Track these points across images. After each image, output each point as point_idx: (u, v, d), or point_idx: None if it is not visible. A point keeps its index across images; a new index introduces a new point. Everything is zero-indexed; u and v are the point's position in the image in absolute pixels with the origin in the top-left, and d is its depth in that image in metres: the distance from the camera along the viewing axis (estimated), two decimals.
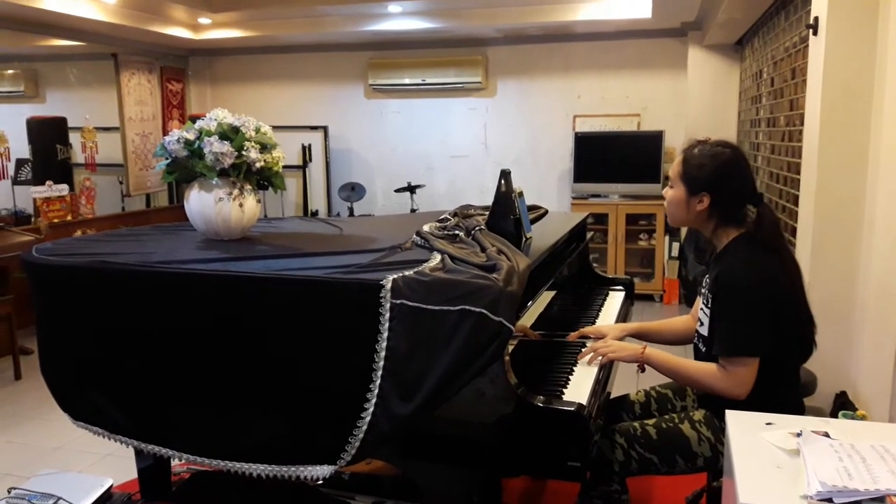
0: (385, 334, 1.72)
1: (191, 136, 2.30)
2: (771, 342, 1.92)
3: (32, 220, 6.17)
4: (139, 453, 2.36)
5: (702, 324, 2.11)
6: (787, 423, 1.57)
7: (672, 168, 2.14)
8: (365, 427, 1.73)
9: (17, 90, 8.26)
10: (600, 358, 2.12)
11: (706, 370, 1.99)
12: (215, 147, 2.24)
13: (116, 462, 3.27)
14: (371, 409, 1.73)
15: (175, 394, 1.99)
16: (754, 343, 1.92)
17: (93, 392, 2.10)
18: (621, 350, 2.14)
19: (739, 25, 5.32)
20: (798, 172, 3.64)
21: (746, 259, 1.97)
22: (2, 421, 3.96)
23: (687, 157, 2.09)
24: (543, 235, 2.59)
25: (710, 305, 2.04)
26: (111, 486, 2.54)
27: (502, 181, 2.41)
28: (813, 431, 1.47)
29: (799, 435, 1.46)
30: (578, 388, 1.96)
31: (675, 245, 6.40)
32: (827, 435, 1.47)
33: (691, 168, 2.06)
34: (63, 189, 5.98)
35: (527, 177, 6.91)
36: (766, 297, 1.92)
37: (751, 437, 1.52)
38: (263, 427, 1.88)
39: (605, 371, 2.14)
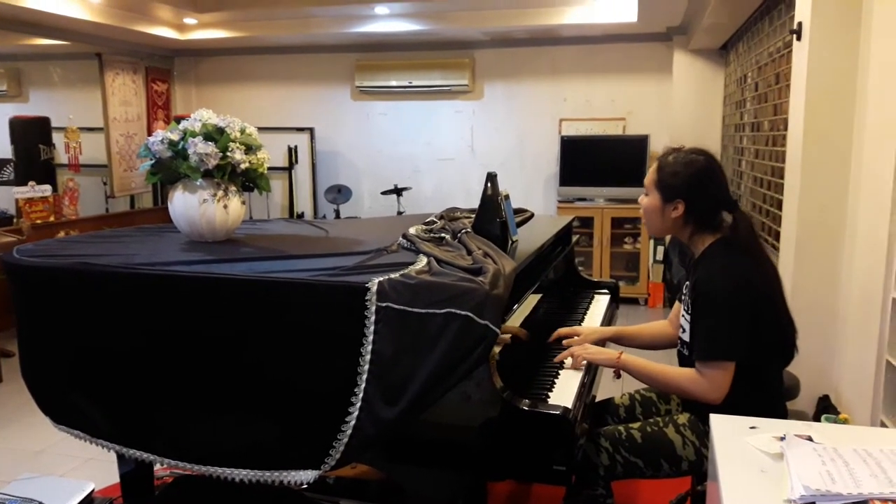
0: (370, 337, 1.71)
1: (175, 136, 2.28)
2: (748, 347, 1.93)
3: (14, 220, 6.10)
4: (121, 458, 2.34)
5: (684, 330, 2.12)
6: (771, 427, 1.58)
7: (647, 176, 2.15)
8: (349, 431, 1.72)
9: None
10: (581, 360, 2.13)
11: (682, 375, 2.01)
12: (199, 148, 2.22)
13: (99, 466, 3.24)
14: (356, 413, 1.72)
15: (158, 397, 1.97)
16: (730, 347, 1.93)
17: (74, 395, 2.08)
18: (597, 354, 2.15)
19: (724, 30, 5.36)
20: (782, 177, 3.66)
21: (723, 264, 1.98)
22: None
23: (661, 165, 2.10)
24: (529, 239, 2.59)
25: (690, 311, 2.05)
26: (93, 491, 2.52)
27: (488, 184, 2.41)
28: (796, 435, 1.47)
29: (783, 439, 1.46)
30: (564, 391, 1.96)
31: (660, 249, 6.43)
32: (810, 439, 1.47)
33: (665, 176, 2.07)
34: (46, 190, 5.92)
35: (513, 180, 6.92)
36: (743, 301, 1.93)
37: (735, 440, 1.53)
38: (247, 431, 1.87)
39: (591, 374, 2.14)
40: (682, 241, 2.14)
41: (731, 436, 1.55)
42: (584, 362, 2.13)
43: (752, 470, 1.39)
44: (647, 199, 2.13)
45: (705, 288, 1.98)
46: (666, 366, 2.09)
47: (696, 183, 2.04)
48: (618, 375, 2.17)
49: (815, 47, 3.01)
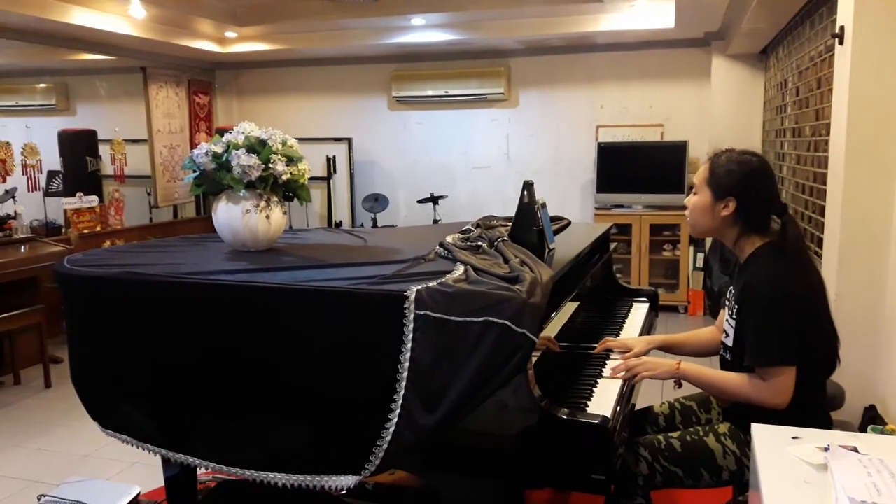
0: (409, 345, 1.73)
1: (219, 149, 2.33)
2: (800, 350, 1.90)
3: (63, 230, 6.28)
4: (166, 462, 2.39)
5: (727, 335, 2.10)
6: (814, 438, 1.55)
7: (697, 174, 2.14)
8: (389, 438, 1.74)
9: (48, 104, 8.44)
10: (640, 377, 2.11)
11: (744, 381, 1.97)
12: (243, 160, 2.27)
13: (144, 470, 3.32)
14: (395, 420, 1.73)
15: (202, 404, 2.01)
16: (785, 350, 1.90)
17: (121, 401, 2.14)
18: (657, 367, 2.12)
19: (764, 35, 5.29)
20: (824, 183, 3.60)
21: (771, 269, 1.96)
22: (32, 428, 4.02)
23: (714, 163, 2.09)
24: (566, 246, 2.59)
25: (735, 316, 2.03)
26: (138, 494, 2.58)
27: (525, 192, 2.42)
28: (841, 446, 1.45)
29: (826, 449, 1.44)
30: (602, 400, 1.96)
31: (700, 256, 6.35)
32: (855, 450, 1.45)
33: (719, 173, 2.06)
34: (93, 200, 6.09)
35: (549, 187, 6.91)
36: (790, 308, 1.91)
37: (777, 451, 1.51)
38: (288, 437, 1.90)
39: (630, 383, 2.13)
40: (727, 243, 2.11)
41: (773, 446, 1.54)
42: (641, 377, 2.11)
43: (796, 481, 1.38)
44: (695, 197, 2.12)
45: (755, 292, 1.95)
46: (726, 373, 2.06)
47: (749, 182, 2.02)
48: (679, 385, 2.14)
49: (858, 51, 2.96)
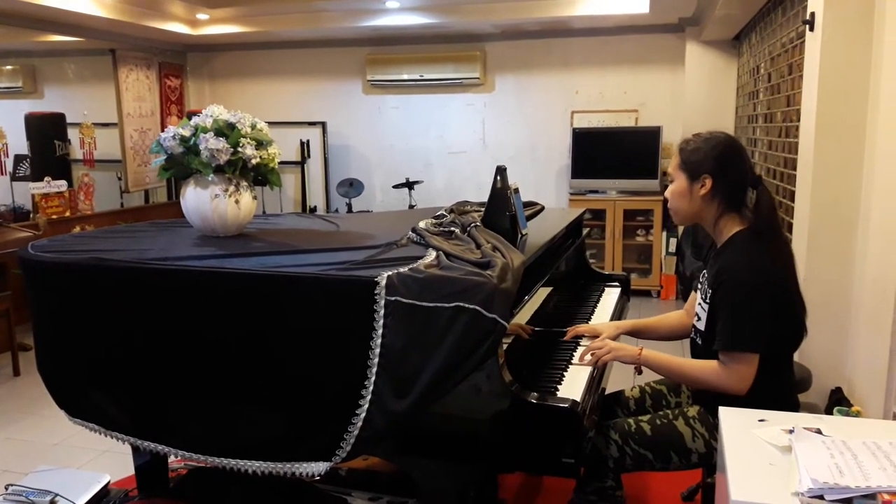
0: (380, 331, 1.73)
1: (186, 132, 2.30)
2: (769, 338, 1.92)
3: (31, 216, 6.16)
4: (136, 450, 2.37)
5: (699, 318, 2.11)
6: (779, 420, 1.58)
7: (671, 164, 2.15)
8: (360, 424, 1.74)
9: (15, 86, 8.26)
10: (602, 360, 2.13)
11: (706, 368, 1.99)
12: (211, 143, 2.24)
13: (114, 458, 3.28)
14: (366, 406, 1.73)
15: (170, 391, 1.99)
16: (755, 339, 1.92)
17: (89, 389, 2.11)
18: (618, 351, 2.14)
19: (737, 21, 5.32)
20: (795, 168, 3.64)
21: (749, 255, 1.97)
22: (1, 417, 3.96)
23: (682, 148, 2.11)
24: (539, 232, 2.59)
25: (708, 300, 2.04)
26: (108, 483, 2.55)
27: (498, 177, 2.41)
28: (805, 428, 1.47)
29: (791, 432, 1.46)
30: (573, 384, 1.96)
31: (673, 241, 6.41)
32: (819, 431, 1.47)
33: (688, 155, 2.07)
34: (61, 185, 5.98)
35: (525, 173, 6.91)
36: (768, 293, 1.92)
37: (743, 433, 1.53)
38: (258, 424, 1.89)
39: (600, 367, 2.14)
40: (707, 226, 2.11)
41: (739, 428, 1.56)
42: (604, 360, 2.13)
43: (761, 462, 1.40)
44: (673, 185, 2.13)
45: (730, 277, 1.96)
46: (688, 360, 2.09)
47: (721, 157, 2.04)
48: (639, 372, 2.16)
49: (828, 38, 2.99)
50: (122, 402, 2.07)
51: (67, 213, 6.01)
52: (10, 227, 5.49)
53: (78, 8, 5.56)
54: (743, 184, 2.05)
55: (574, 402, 1.74)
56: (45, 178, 5.92)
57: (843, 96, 2.99)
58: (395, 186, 7.02)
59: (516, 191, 2.49)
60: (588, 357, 2.14)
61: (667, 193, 2.16)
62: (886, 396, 2.70)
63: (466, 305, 1.69)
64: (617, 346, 2.17)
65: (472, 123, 7.23)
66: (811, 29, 3.11)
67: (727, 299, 1.96)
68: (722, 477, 1.48)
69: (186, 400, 1.97)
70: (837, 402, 2.92)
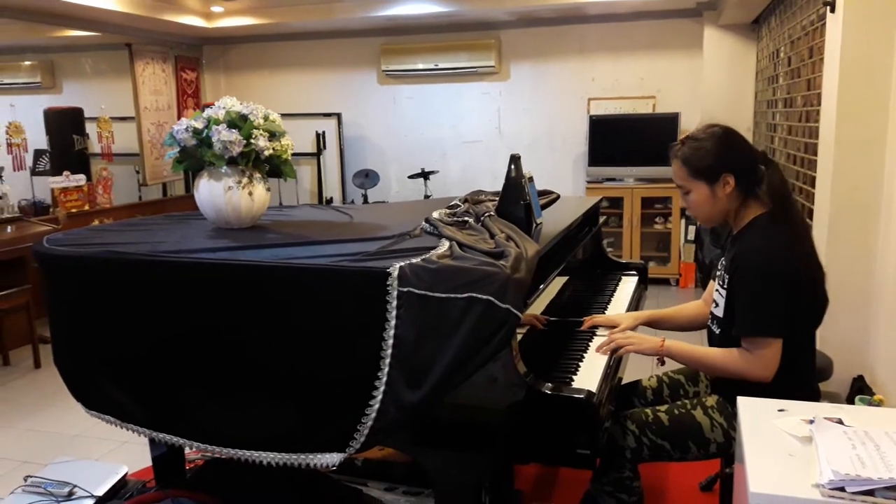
0: (392, 322, 1.71)
1: (199, 124, 2.29)
2: (790, 323, 1.89)
3: (50, 210, 6.23)
4: (153, 441, 2.38)
5: (716, 305, 2.08)
6: (799, 410, 1.55)
7: (676, 175, 2.08)
8: (374, 415, 1.72)
9: (34, 81, 8.33)
10: (624, 350, 2.10)
11: (729, 356, 1.96)
12: (223, 135, 2.23)
13: (134, 449, 3.31)
14: (379, 398, 1.72)
15: (186, 383, 1.99)
16: (777, 323, 1.89)
17: (104, 381, 2.11)
18: (641, 342, 2.11)
19: (755, 4, 5.23)
20: (816, 154, 3.58)
21: (766, 239, 1.94)
22: (22, 409, 4.01)
23: (684, 157, 2.04)
24: (554, 221, 2.56)
25: (726, 286, 2.01)
26: (126, 474, 2.57)
27: (512, 166, 2.39)
28: (826, 418, 1.44)
29: (811, 422, 1.43)
30: (588, 374, 1.94)
31: (692, 228, 6.34)
32: (840, 422, 1.44)
33: (696, 161, 2.02)
34: (80, 179, 6.03)
35: (541, 161, 6.87)
36: (784, 280, 1.89)
37: (763, 423, 1.50)
38: (273, 415, 1.88)
39: (616, 358, 2.12)
40: (730, 218, 2.07)
41: (758, 418, 1.53)
42: (625, 351, 2.10)
43: (780, 453, 1.37)
44: (691, 195, 2.06)
45: (748, 262, 1.93)
46: (710, 349, 2.06)
47: (730, 149, 2.01)
48: (662, 362, 2.13)
49: (849, 20, 2.93)
50: (137, 395, 2.07)
51: (86, 207, 6.05)
52: (31, 222, 5.55)
53: (94, 3, 5.58)
54: (755, 165, 2.02)
55: (589, 392, 1.71)
56: (64, 173, 5.97)
57: (865, 79, 2.93)
58: (411, 177, 7.00)
59: (531, 179, 2.46)
60: (611, 346, 2.10)
61: (686, 204, 2.12)
62: None
63: (479, 296, 1.67)
64: (640, 337, 2.14)
65: (488, 112, 7.19)
66: (832, 10, 3.05)
67: (746, 284, 1.93)
68: (741, 468, 1.46)
69: (200, 392, 1.97)
70: (859, 390, 2.88)
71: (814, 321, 2.02)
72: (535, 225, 2.40)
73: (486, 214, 2.31)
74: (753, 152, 2.04)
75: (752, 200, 2.02)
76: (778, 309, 1.88)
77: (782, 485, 1.25)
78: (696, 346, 2.06)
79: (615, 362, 2.09)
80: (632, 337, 2.14)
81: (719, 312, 2.06)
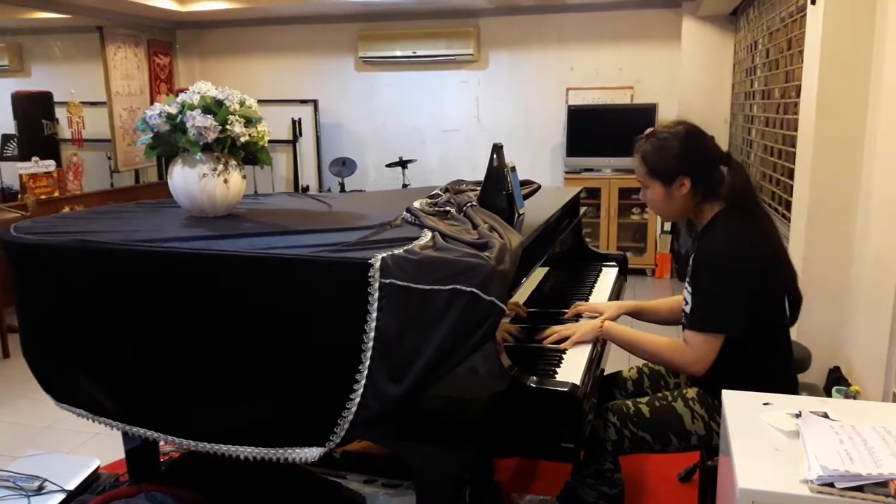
0: (374, 314, 1.67)
1: (173, 109, 2.22)
2: (743, 324, 1.89)
3: (19, 196, 6.07)
4: (126, 434, 2.32)
5: (687, 302, 2.08)
6: (785, 403, 1.54)
7: (636, 170, 2.09)
8: (354, 409, 1.69)
9: (1, 64, 8.12)
10: (570, 342, 2.08)
11: (666, 344, 1.99)
12: (198, 121, 2.16)
13: (106, 441, 3.24)
14: (360, 391, 1.68)
15: (159, 375, 1.93)
16: (723, 321, 1.90)
17: (75, 373, 2.05)
18: (581, 329, 2.11)
19: None
20: (793, 146, 3.59)
21: (726, 235, 1.94)
22: None
23: (644, 154, 2.05)
24: (536, 211, 2.54)
25: (691, 283, 2.01)
26: (98, 467, 2.51)
27: (494, 156, 2.35)
28: (812, 412, 1.44)
29: (798, 416, 1.42)
30: (572, 367, 1.92)
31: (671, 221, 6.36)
32: (826, 415, 1.43)
33: (653, 160, 2.03)
34: (50, 165, 5.88)
35: (519, 151, 6.84)
36: (746, 276, 1.89)
37: (748, 417, 1.49)
38: (250, 409, 1.84)
39: (599, 349, 2.10)
40: (690, 216, 2.08)
41: (743, 412, 1.52)
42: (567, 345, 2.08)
43: (767, 448, 1.36)
44: (648, 192, 2.08)
45: (705, 259, 1.95)
46: (649, 335, 2.07)
47: (688, 151, 2.00)
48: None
49: (830, 11, 2.93)
50: (109, 388, 2.01)
51: (56, 194, 5.91)
52: None
53: None
54: (715, 167, 2.02)
55: (574, 385, 1.69)
56: (33, 158, 5.82)
57: (846, 71, 2.94)
58: (389, 165, 6.94)
59: (513, 169, 2.43)
60: (554, 338, 2.09)
61: (643, 198, 2.13)
62: (886, 376, 2.68)
63: (463, 288, 1.64)
64: (578, 325, 2.14)
65: (466, 101, 7.15)
66: (813, 2, 3.05)
67: (703, 282, 1.94)
68: (726, 461, 1.44)
69: (175, 385, 1.92)
70: (836, 381, 2.90)
71: (783, 316, 2.02)
72: (517, 215, 2.37)
73: (469, 204, 2.28)
74: (715, 154, 2.03)
75: (712, 199, 2.02)
76: (730, 306, 1.89)
77: (770, 480, 1.24)
78: (636, 330, 2.08)
79: (597, 354, 2.07)
80: (571, 327, 2.14)
81: (689, 309, 2.06)
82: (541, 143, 7.00)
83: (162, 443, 2.34)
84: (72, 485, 2.35)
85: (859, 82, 2.92)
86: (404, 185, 6.77)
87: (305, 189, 7.50)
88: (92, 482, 2.42)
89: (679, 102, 6.17)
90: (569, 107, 6.63)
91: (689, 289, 2.03)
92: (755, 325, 1.92)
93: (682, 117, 2.11)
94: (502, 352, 1.70)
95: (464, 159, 7.16)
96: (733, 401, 1.59)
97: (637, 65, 6.64)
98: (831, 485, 1.18)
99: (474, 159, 7.08)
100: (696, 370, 1.93)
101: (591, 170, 6.54)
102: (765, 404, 1.54)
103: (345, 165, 7.00)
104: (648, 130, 2.10)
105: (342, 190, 6.98)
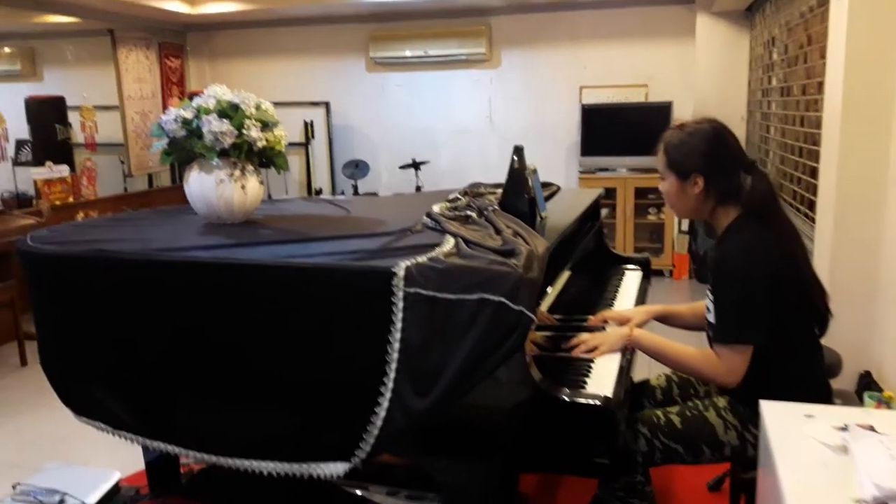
0: (398, 325, 1.62)
1: (188, 114, 2.18)
2: (767, 331, 1.84)
3: (34, 202, 6.07)
4: (146, 447, 2.29)
5: (709, 310, 2.02)
6: (827, 415, 1.48)
7: (658, 159, 2.05)
8: (379, 423, 1.64)
9: (14, 69, 8.13)
10: (598, 353, 2.02)
11: (697, 355, 1.93)
12: (214, 126, 2.13)
13: (125, 451, 3.15)
14: (385, 404, 1.63)
15: (179, 388, 1.90)
16: (749, 330, 1.85)
17: (94, 386, 2.02)
18: (609, 339, 2.04)
19: None
20: (815, 143, 3.52)
21: (743, 243, 1.89)
22: (8, 408, 3.90)
23: (668, 145, 2.01)
24: (558, 214, 2.49)
25: (712, 291, 1.96)
26: (119, 480, 2.48)
27: (515, 158, 2.31)
28: (858, 425, 1.38)
29: (843, 429, 1.37)
30: (602, 376, 1.87)
31: (686, 219, 6.29)
32: (872, 428, 1.38)
33: (674, 154, 1.99)
34: (64, 170, 5.87)
35: (533, 150, 6.66)
36: (763, 282, 1.84)
37: (790, 430, 1.44)
38: (272, 422, 1.80)
39: (628, 357, 2.05)
40: (706, 217, 2.03)
41: (784, 424, 1.47)
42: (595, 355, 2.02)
43: (813, 463, 1.30)
44: (664, 183, 2.05)
45: (724, 268, 1.90)
46: (681, 345, 2.00)
47: (708, 152, 1.95)
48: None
49: (855, 6, 2.86)
50: (128, 401, 1.98)
51: (71, 199, 5.90)
52: (14, 215, 5.40)
53: None
54: (735, 173, 1.96)
55: (606, 397, 1.64)
56: (47, 164, 5.81)
57: (871, 66, 2.87)
58: (402, 167, 6.90)
59: (534, 171, 2.39)
60: (581, 349, 2.03)
61: (661, 188, 2.08)
62: None
63: (491, 297, 1.59)
64: (606, 335, 2.07)
65: (479, 101, 7.09)
66: None
67: (723, 291, 1.90)
68: (769, 476, 1.39)
69: (196, 398, 1.88)
70: (867, 386, 2.83)
71: (810, 322, 1.96)
72: (539, 219, 2.32)
73: (490, 208, 2.23)
74: (736, 159, 1.98)
75: (728, 204, 1.97)
76: (753, 315, 1.84)
77: (821, 498, 1.19)
78: (666, 340, 2.01)
79: (627, 362, 2.02)
80: (597, 336, 2.07)
81: (711, 318, 2.00)
82: (555, 143, 6.93)
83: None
84: (92, 499, 2.32)
85: (885, 77, 2.85)
86: (418, 188, 6.72)
87: (318, 192, 7.47)
88: (113, 496, 2.39)
89: (694, 100, 6.10)
90: (583, 106, 6.56)
91: (711, 297, 1.98)
92: (781, 331, 1.88)
93: (701, 114, 2.06)
94: (532, 364, 1.65)
95: (476, 160, 7.10)
96: (773, 412, 1.53)
97: (651, 62, 6.57)
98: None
99: (487, 160, 7.02)
100: (729, 382, 1.87)
101: (606, 169, 6.48)
102: (807, 416, 1.49)
103: (358, 168, 6.96)
104: (678, 122, 2.06)
105: (355, 193, 6.95)
